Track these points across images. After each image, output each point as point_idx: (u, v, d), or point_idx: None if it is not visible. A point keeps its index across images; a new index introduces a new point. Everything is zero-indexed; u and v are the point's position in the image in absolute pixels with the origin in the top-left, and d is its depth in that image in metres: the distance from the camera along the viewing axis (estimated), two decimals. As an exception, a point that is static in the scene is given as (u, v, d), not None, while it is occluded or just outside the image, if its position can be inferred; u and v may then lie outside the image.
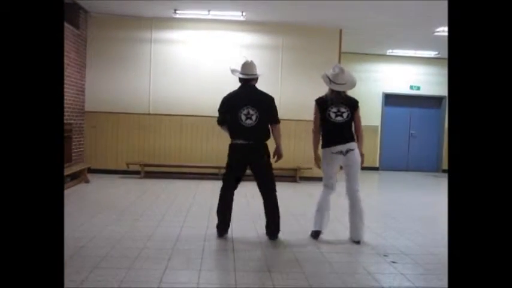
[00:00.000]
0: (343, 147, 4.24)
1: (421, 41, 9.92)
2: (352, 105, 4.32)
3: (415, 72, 11.81)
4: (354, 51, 11.05)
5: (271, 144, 4.40)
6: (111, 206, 5.78)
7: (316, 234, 4.40)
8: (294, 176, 8.73)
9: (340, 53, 9.09)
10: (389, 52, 11.22)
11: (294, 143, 8.71)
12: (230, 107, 4.34)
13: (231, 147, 4.37)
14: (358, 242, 4.31)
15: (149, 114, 8.88)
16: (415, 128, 12.11)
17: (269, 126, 4.39)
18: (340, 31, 9.03)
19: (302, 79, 8.84)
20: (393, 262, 3.80)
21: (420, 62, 11.64)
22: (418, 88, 11.89)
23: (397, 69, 11.80)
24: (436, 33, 8.89)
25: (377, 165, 11.92)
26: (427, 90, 11.85)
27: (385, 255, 3.99)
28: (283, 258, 3.79)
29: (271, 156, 4.40)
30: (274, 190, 4.37)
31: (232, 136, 4.36)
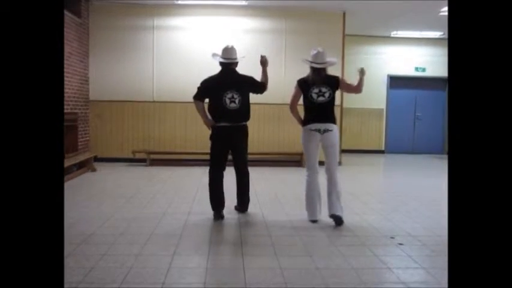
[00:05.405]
0: (321, 126, 4.38)
1: (426, 22, 9.78)
2: (333, 83, 4.45)
3: (420, 53, 11.68)
4: (357, 33, 10.94)
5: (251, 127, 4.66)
6: (118, 193, 5.82)
7: (314, 222, 4.44)
8: (299, 160, 8.73)
9: (344, 35, 9.01)
10: (393, 34, 11.09)
11: (299, 127, 8.65)
12: (213, 90, 4.54)
13: (215, 129, 4.55)
14: (339, 223, 4.28)
15: (153, 101, 8.89)
16: (421, 110, 12.03)
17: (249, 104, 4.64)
18: (344, 13, 8.93)
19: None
20: (400, 244, 3.82)
21: (425, 43, 11.51)
22: (424, 70, 11.79)
23: (401, 51, 11.68)
24: (441, 13, 8.76)
25: (383, 148, 11.89)
26: (432, 71, 11.73)
27: (391, 237, 4.01)
28: (289, 242, 3.81)
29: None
30: (248, 173, 4.72)
31: (216, 119, 4.54)
